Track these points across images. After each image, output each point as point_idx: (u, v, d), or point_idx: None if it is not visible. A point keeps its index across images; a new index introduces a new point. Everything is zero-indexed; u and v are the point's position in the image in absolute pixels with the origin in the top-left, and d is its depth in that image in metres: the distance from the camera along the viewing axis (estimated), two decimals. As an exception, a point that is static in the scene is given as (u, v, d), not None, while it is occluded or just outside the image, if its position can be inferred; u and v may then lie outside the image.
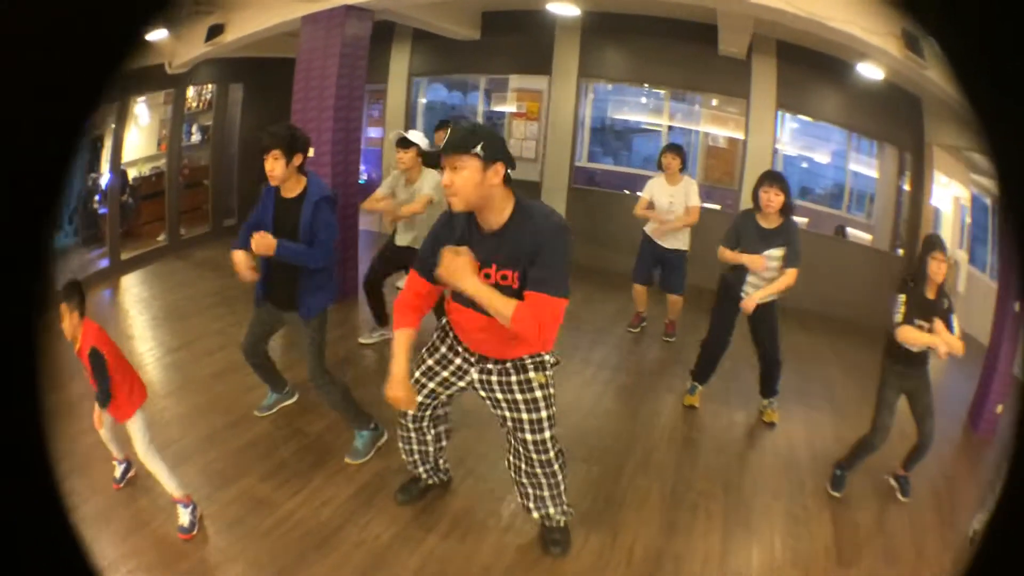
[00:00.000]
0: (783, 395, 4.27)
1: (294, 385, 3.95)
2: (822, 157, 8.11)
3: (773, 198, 3.72)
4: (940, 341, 3.03)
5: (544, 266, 2.22)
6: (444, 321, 2.72)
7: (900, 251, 6.75)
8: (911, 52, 3.96)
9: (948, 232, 6.56)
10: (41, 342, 0.67)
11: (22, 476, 0.67)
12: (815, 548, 3.10)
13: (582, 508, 3.11)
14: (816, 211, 7.64)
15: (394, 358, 2.48)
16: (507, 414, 2.64)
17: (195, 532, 2.81)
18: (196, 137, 7.52)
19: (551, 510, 2.83)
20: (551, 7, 6.36)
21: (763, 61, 6.70)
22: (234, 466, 3.33)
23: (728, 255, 3.89)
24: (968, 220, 6.64)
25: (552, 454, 2.68)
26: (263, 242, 3.04)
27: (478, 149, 2.17)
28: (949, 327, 3.11)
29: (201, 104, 7.46)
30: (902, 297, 3.19)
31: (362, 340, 4.97)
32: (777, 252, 3.80)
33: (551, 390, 2.61)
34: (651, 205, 5.18)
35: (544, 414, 2.60)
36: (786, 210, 3.78)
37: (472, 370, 2.65)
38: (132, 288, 6.10)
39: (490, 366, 2.59)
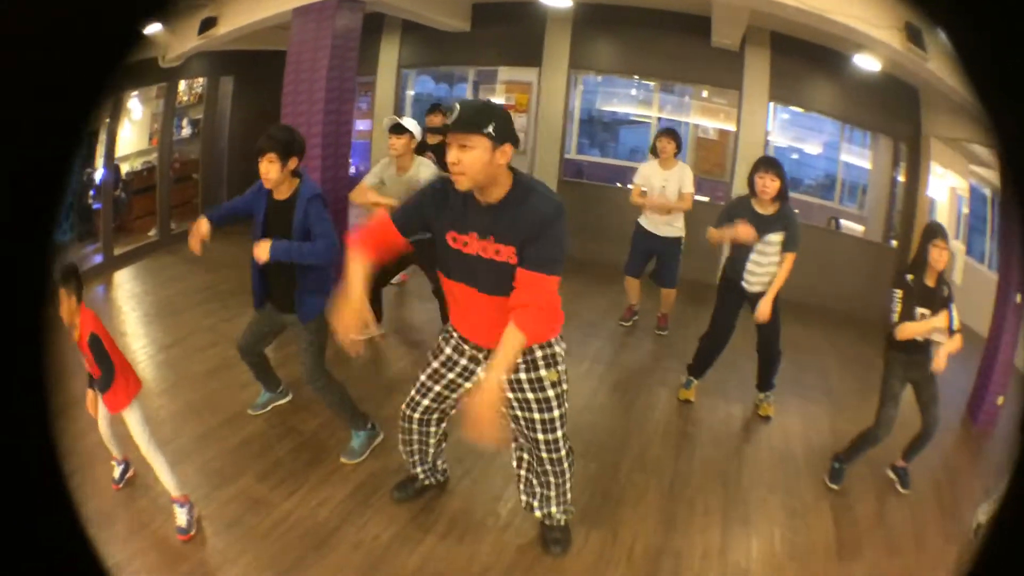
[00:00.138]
0: (778, 388, 4.27)
1: (287, 384, 3.91)
2: (813, 148, 8.12)
3: (769, 184, 3.70)
4: (943, 325, 3.06)
5: (545, 245, 2.18)
6: (448, 324, 2.67)
7: (894, 242, 6.77)
8: (913, 44, 3.94)
9: (944, 222, 6.57)
10: (46, 341, 0.67)
11: (30, 474, 0.67)
12: (814, 541, 3.11)
13: (580, 505, 3.10)
14: (807, 202, 7.61)
15: (349, 284, 2.27)
16: (518, 413, 2.57)
17: (193, 532, 2.79)
18: (187, 131, 7.44)
19: (553, 509, 2.81)
20: (543, -1, 6.31)
21: (756, 52, 6.66)
22: (231, 465, 3.30)
23: (714, 233, 3.85)
24: (965, 211, 6.66)
25: (563, 452, 2.64)
26: (258, 251, 3.02)
27: (490, 129, 2.09)
28: (949, 315, 3.12)
29: (191, 98, 7.39)
30: (899, 293, 3.18)
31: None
32: (775, 238, 3.79)
33: (564, 387, 2.54)
34: (644, 192, 5.10)
35: (556, 413, 2.54)
36: (782, 196, 3.76)
37: (479, 369, 2.59)
38: (125, 284, 6.04)
39: None
